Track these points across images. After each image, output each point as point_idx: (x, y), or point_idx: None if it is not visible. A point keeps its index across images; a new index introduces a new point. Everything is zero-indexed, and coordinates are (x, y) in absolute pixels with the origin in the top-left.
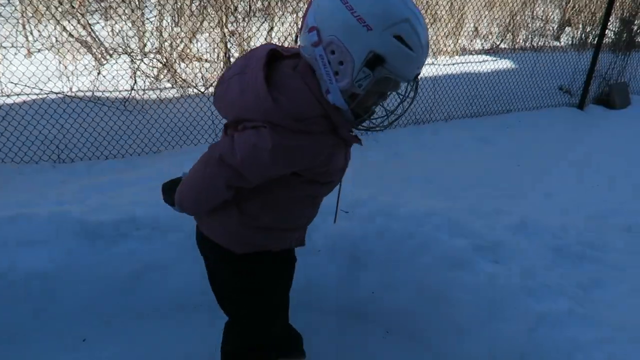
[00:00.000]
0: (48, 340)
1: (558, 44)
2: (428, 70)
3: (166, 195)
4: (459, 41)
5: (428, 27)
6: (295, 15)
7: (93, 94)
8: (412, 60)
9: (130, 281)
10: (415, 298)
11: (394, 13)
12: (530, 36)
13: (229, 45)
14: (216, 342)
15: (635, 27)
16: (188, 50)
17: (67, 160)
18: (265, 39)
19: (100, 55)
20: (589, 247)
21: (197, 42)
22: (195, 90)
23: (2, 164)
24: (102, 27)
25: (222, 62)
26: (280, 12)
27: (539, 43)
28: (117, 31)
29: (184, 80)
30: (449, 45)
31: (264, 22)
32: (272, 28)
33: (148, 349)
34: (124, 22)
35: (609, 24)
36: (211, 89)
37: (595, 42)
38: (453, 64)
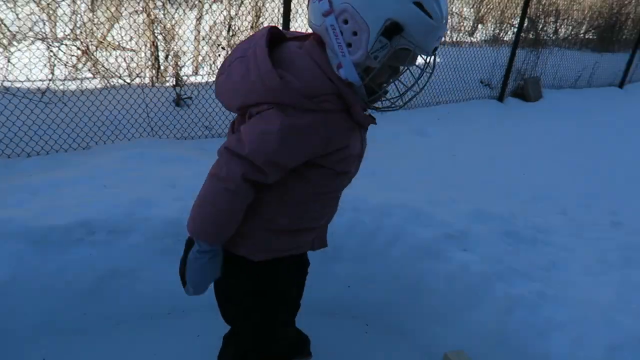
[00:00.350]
0: None
1: (473, 39)
2: None
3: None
4: None
5: None
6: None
7: (2, 84)
8: (432, 30)
9: (91, 291)
10: (391, 289)
11: None
12: (449, 31)
13: (156, 32)
14: (193, 347)
15: (541, 26)
16: (110, 38)
17: None
18: (196, 27)
19: (7, 42)
20: (538, 230)
21: (120, 29)
22: (120, 81)
23: None
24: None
25: (148, 52)
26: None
27: (457, 38)
28: (28, 14)
29: (107, 69)
30: None
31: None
32: (201, 16)
33: None
34: (29, 6)
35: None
36: (138, 80)
37: (506, 38)
38: None
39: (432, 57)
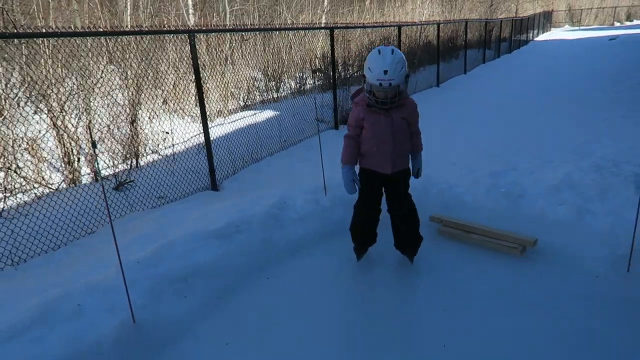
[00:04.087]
0: None
1: (280, 94)
2: (222, 129)
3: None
4: (228, 104)
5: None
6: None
7: None
8: (373, 79)
9: None
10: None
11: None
12: (262, 93)
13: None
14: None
15: (341, 72)
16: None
17: None
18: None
19: None
20: None
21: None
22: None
23: None
24: None
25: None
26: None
27: (267, 96)
28: None
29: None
30: (225, 108)
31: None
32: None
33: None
34: None
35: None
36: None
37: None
38: (238, 120)
39: (386, 88)
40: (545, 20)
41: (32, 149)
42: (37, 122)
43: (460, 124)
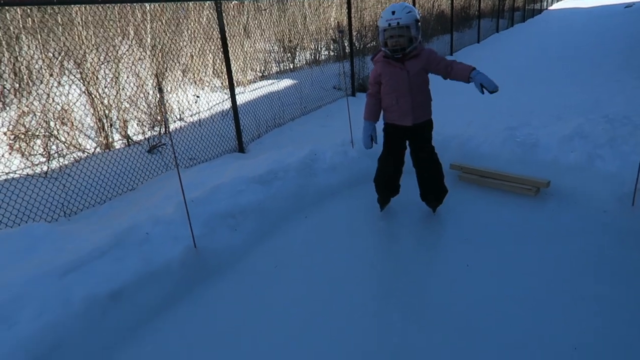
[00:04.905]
0: None
1: (296, 64)
2: (243, 97)
3: None
4: (247, 74)
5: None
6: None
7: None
8: (382, 23)
9: None
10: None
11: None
12: (278, 64)
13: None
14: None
15: (355, 42)
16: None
17: None
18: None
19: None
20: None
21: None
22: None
23: None
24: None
25: (95, 125)
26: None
27: (283, 67)
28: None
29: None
30: (245, 78)
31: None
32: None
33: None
34: None
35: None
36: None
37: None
38: (257, 89)
39: (395, 25)
40: None
41: (68, 116)
42: (68, 92)
43: (474, 89)
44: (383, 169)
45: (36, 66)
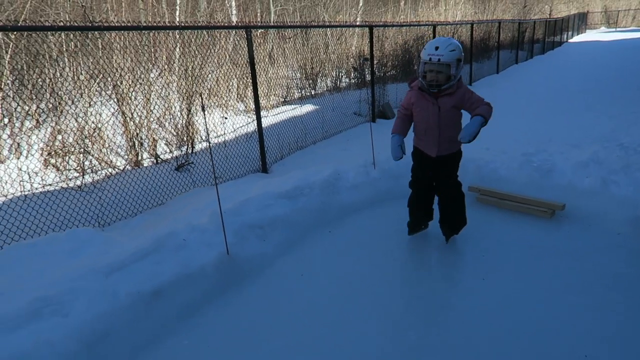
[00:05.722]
0: None
1: (318, 91)
2: (267, 121)
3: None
4: (270, 99)
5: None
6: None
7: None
8: (425, 55)
9: None
10: None
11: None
12: (300, 90)
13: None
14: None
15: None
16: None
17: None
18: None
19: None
20: None
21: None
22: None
23: None
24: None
25: (126, 144)
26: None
27: (304, 93)
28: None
29: (107, 163)
30: (268, 103)
31: None
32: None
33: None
34: None
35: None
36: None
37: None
38: (280, 113)
39: (436, 61)
40: (580, 21)
41: (101, 134)
42: (100, 112)
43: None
44: (413, 193)
45: (73, 86)
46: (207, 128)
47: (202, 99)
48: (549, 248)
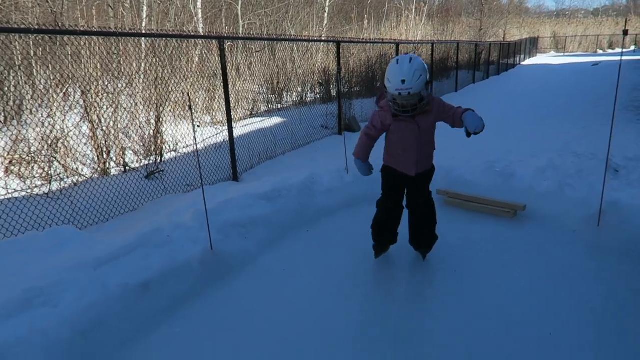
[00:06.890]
0: None
1: (284, 105)
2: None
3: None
4: (238, 112)
5: None
6: None
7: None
8: (390, 89)
9: None
10: None
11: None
12: (266, 103)
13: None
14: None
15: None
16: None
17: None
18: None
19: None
20: None
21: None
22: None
23: None
24: None
25: (94, 152)
26: None
27: (271, 106)
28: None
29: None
30: (236, 115)
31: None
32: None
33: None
34: None
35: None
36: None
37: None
38: (248, 124)
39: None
40: (532, 45)
41: (65, 143)
42: (66, 120)
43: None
44: (382, 213)
45: (38, 94)
46: (193, 122)
47: (189, 98)
48: (513, 243)
